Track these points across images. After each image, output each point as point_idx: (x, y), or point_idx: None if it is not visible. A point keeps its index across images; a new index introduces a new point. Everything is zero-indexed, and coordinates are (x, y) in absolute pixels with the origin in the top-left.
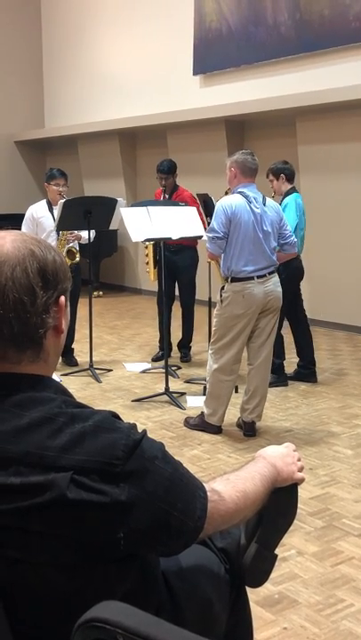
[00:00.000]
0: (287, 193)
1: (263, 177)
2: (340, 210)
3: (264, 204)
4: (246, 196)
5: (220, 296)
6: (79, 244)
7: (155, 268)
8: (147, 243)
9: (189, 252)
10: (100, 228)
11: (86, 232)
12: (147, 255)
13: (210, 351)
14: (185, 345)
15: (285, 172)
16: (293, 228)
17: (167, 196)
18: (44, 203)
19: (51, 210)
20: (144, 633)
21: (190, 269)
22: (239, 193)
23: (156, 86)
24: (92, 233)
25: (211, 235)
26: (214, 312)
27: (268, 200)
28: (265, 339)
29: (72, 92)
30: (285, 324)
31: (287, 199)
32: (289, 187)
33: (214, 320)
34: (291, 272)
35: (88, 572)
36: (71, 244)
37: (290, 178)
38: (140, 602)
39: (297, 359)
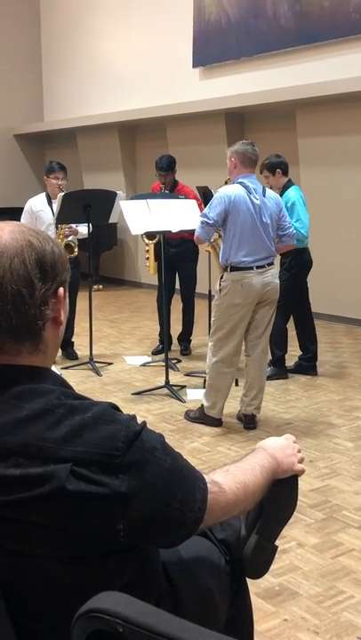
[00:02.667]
0: (285, 187)
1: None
2: (340, 202)
3: (264, 195)
4: (246, 187)
5: (219, 285)
6: (78, 238)
7: (155, 261)
8: (148, 241)
9: (190, 244)
10: (99, 221)
11: (83, 226)
12: (147, 251)
13: (210, 343)
14: (185, 338)
15: (281, 167)
16: (307, 224)
17: (167, 192)
18: (43, 196)
19: (50, 203)
20: (144, 623)
21: (191, 262)
22: (239, 183)
23: (155, 79)
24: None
25: (202, 219)
26: (213, 303)
27: (268, 191)
28: (262, 331)
29: (71, 86)
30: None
31: (291, 196)
32: (285, 180)
33: (213, 310)
34: (302, 264)
35: (88, 564)
36: (70, 238)
37: (285, 171)
38: (140, 593)
39: (298, 352)
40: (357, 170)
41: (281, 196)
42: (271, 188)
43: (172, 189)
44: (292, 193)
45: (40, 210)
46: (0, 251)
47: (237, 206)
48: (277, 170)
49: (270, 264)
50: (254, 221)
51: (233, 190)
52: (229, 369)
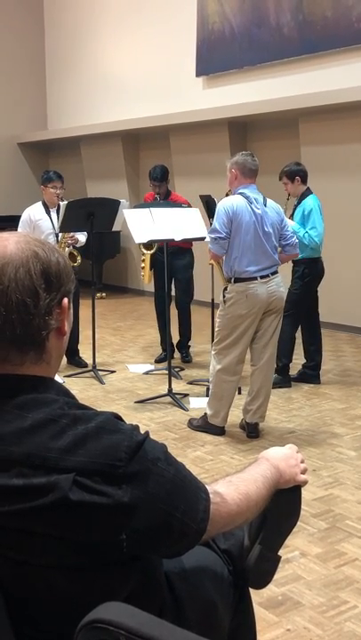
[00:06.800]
0: (303, 195)
1: (264, 178)
2: (344, 211)
3: (265, 205)
4: (247, 197)
5: (223, 297)
6: (78, 246)
7: (150, 270)
8: (145, 251)
9: (185, 253)
10: (102, 229)
11: (82, 235)
12: (143, 260)
13: (213, 352)
14: (184, 345)
15: (300, 174)
16: (322, 233)
17: (162, 201)
18: (39, 205)
19: (48, 212)
20: (147, 634)
21: (187, 270)
22: (240, 194)
23: (158, 88)
24: (85, 236)
25: (213, 235)
26: (217, 313)
27: (269, 201)
28: (268, 339)
29: (75, 94)
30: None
31: (309, 204)
32: (304, 188)
33: (217, 321)
34: (315, 273)
35: (91, 574)
36: (72, 247)
37: (304, 179)
38: (143, 603)
39: (301, 360)
40: (360, 178)
41: (299, 203)
42: (289, 195)
43: (165, 199)
44: (310, 201)
45: (39, 219)
46: (5, 261)
47: (239, 216)
48: (296, 177)
49: (274, 273)
50: (256, 231)
51: (234, 201)
52: (232, 377)
